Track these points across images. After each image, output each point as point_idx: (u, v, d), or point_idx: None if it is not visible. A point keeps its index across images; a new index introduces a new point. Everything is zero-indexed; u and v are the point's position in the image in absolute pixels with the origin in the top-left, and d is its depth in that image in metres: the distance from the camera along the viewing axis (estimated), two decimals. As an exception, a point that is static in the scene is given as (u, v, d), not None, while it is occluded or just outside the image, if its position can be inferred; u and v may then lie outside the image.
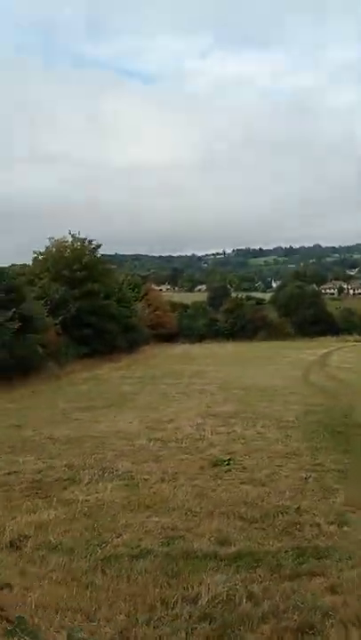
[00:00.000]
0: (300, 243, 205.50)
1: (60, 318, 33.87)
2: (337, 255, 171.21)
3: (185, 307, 65.01)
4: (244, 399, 17.81)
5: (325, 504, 6.85)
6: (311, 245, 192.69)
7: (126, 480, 8.40)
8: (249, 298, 72.70)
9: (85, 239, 40.15)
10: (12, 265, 40.47)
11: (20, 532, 6.45)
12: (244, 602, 4.58)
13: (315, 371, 28.37)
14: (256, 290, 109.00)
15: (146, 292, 56.46)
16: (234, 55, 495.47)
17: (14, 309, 26.66)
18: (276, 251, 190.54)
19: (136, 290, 54.57)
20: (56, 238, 39.72)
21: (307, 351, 41.65)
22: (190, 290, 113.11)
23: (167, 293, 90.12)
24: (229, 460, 9.22)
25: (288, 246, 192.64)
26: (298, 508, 6.73)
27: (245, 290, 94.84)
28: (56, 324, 32.91)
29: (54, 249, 39.90)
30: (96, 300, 37.65)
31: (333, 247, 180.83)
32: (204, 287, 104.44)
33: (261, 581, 4.96)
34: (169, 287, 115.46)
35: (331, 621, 4.22)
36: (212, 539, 5.95)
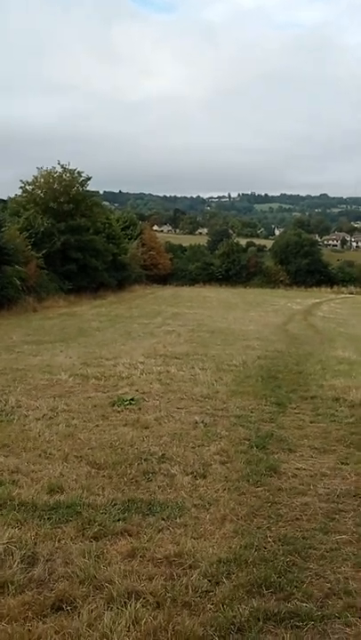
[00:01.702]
0: (306, 191, 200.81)
1: (43, 252, 32.79)
2: (344, 206, 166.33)
3: (183, 249, 63.42)
4: (204, 341, 16.86)
5: (197, 452, 5.94)
6: (318, 195, 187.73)
7: (4, 415, 7.53)
8: (250, 244, 70.82)
9: (75, 170, 38.28)
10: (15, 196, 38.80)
11: None
12: (16, 564, 3.71)
13: (296, 319, 27.32)
14: (258, 236, 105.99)
15: (141, 231, 54.77)
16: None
17: (-14, 238, 25.64)
18: (282, 198, 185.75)
19: (131, 228, 52.98)
20: (45, 168, 37.89)
21: (297, 300, 40.51)
22: (191, 232, 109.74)
23: (167, 234, 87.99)
24: (131, 399, 8.31)
25: (295, 194, 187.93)
26: (162, 455, 5.83)
27: (247, 236, 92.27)
28: (39, 258, 31.86)
29: (42, 179, 38.13)
30: (83, 234, 36.29)
31: (341, 198, 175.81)
32: (205, 230, 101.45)
33: (60, 539, 4.09)
34: (170, 228, 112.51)
35: (98, 597, 3.34)
36: (44, 485, 5.07)
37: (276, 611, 3.14)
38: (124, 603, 3.22)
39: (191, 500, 4.72)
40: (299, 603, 3.23)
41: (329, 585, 3.44)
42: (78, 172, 38.16)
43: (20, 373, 10.90)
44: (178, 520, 4.35)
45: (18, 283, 27.59)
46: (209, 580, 3.47)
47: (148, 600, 3.26)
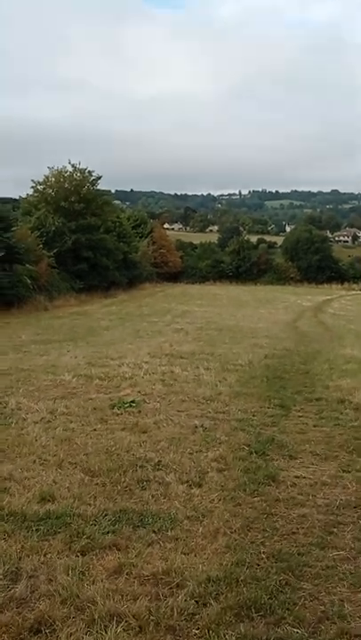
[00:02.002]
0: (318, 187, 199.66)
1: (54, 251, 32.84)
2: (355, 202, 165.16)
3: (193, 246, 63.11)
4: (212, 340, 16.68)
5: (194, 459, 5.75)
6: (329, 191, 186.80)
7: (2, 419, 7.41)
8: (261, 241, 70.41)
9: (86, 170, 38.30)
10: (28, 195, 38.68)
11: None
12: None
13: (306, 316, 27.08)
14: (269, 233, 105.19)
15: (152, 229, 54.60)
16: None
17: (-4, 237, 25.70)
18: (293, 194, 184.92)
19: (142, 227, 52.84)
20: (56, 168, 37.93)
21: (307, 297, 40.16)
22: (202, 230, 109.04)
23: (178, 232, 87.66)
24: (132, 402, 8.15)
25: (306, 190, 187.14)
26: (158, 461, 5.65)
27: (258, 233, 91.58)
28: (50, 257, 31.92)
29: (53, 179, 38.18)
30: (94, 233, 36.31)
31: (352, 194, 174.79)
32: (216, 228, 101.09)
33: (46, 553, 3.93)
34: (181, 226, 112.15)
35: (79, 618, 3.18)
36: (36, 494, 4.93)
37: (264, 637, 2.95)
38: (105, 626, 3.05)
39: (185, 511, 4.54)
40: (290, 628, 3.04)
41: (323, 608, 3.24)
42: (89, 172, 38.29)
43: (25, 374, 10.80)
44: (169, 533, 4.18)
45: (29, 281, 27.69)
46: (196, 602, 3.29)
47: (130, 624, 3.09)
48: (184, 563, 3.71)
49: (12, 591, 3.46)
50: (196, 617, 3.16)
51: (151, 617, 3.13)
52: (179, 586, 3.46)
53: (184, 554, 3.86)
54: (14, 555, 3.88)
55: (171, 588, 3.43)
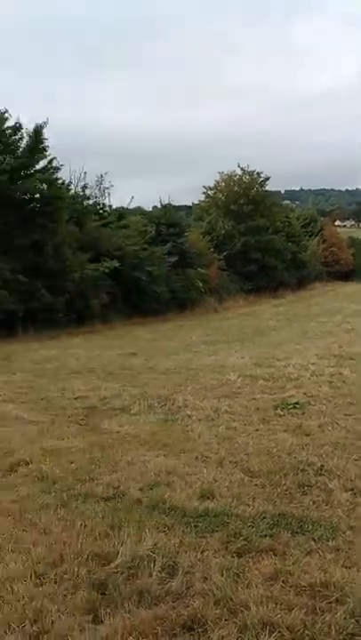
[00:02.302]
0: None
1: (224, 254, 33.62)
2: None
3: (367, 243, 59.83)
4: (386, 341, 15.61)
5: (360, 466, 5.36)
6: None
7: (169, 415, 7.68)
8: None
9: (254, 172, 38.57)
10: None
11: (29, 456, 6.18)
12: (156, 573, 3.64)
13: None
14: None
15: (322, 227, 52.92)
16: None
17: (171, 243, 27.02)
18: None
19: (312, 225, 51.56)
20: (225, 172, 38.80)
21: None
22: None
23: (350, 229, 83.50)
24: (296, 403, 7.91)
25: None
26: (321, 466, 5.37)
27: None
28: (220, 260, 32.74)
29: (223, 183, 39.09)
30: (262, 235, 36.42)
31: None
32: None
33: (203, 551, 3.94)
34: (353, 223, 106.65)
35: (231, 622, 3.11)
36: (196, 490, 4.99)
37: None
38: (257, 634, 2.94)
39: (348, 521, 4.24)
40: None
41: None
42: (257, 173, 38.53)
43: (193, 372, 11.13)
44: (330, 543, 3.92)
45: (200, 285, 28.68)
46: (356, 621, 3.02)
47: (283, 635, 2.93)
48: (344, 577, 3.45)
49: (169, 585, 3.51)
50: (356, 638, 2.90)
51: (306, 631, 2.95)
52: (338, 601, 3.22)
53: (345, 567, 3.60)
54: (172, 549, 3.94)
55: (329, 603, 3.21)
